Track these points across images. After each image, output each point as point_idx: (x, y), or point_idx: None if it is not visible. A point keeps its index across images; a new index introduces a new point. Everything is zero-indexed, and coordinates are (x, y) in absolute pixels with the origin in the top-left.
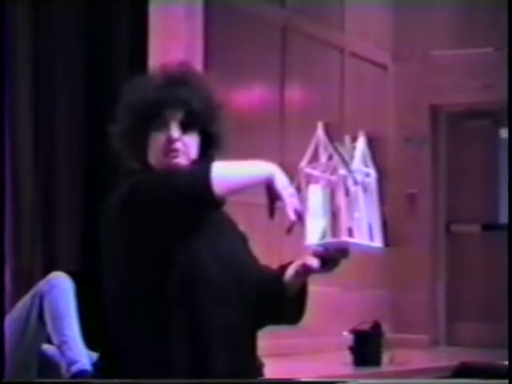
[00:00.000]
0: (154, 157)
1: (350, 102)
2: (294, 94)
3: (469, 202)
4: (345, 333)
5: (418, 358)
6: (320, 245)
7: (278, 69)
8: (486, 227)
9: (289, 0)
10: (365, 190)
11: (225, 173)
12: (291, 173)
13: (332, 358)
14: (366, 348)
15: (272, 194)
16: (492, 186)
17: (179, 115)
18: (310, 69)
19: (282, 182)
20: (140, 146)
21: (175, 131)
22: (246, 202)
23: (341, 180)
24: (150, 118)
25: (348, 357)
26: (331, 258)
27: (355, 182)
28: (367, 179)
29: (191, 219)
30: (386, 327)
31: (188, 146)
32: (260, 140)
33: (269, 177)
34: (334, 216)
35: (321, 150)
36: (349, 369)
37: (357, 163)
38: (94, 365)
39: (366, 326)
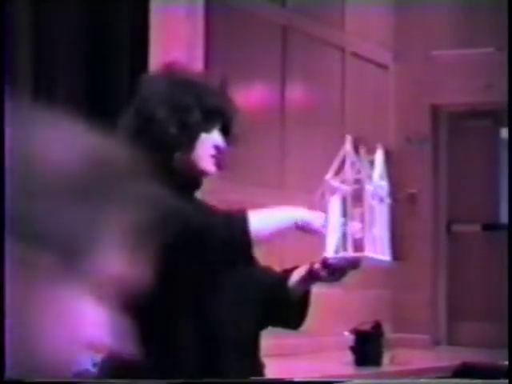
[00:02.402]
0: (194, 157)
1: (351, 102)
2: (295, 93)
3: (469, 202)
4: (346, 333)
5: (419, 358)
6: (334, 257)
7: (279, 69)
8: (487, 227)
9: (289, 0)
10: (379, 202)
11: (261, 225)
12: (292, 172)
13: (333, 358)
14: (367, 348)
15: (305, 231)
16: (493, 185)
17: (220, 124)
18: (310, 69)
19: (309, 224)
20: (184, 146)
21: (221, 139)
22: (246, 202)
23: (364, 194)
24: (210, 120)
25: (349, 357)
26: (341, 268)
27: (376, 197)
28: (382, 192)
29: (221, 263)
30: (386, 327)
31: (223, 155)
32: (260, 140)
33: (296, 223)
34: (351, 228)
35: (348, 163)
36: (350, 369)
37: (376, 177)
38: (100, 365)
39: (367, 326)
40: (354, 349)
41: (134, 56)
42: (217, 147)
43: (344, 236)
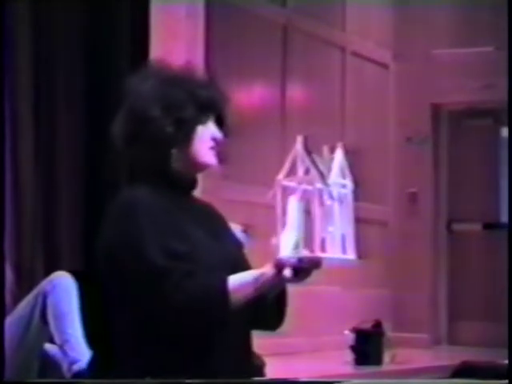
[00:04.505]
0: (193, 151)
1: (351, 102)
2: (295, 93)
3: (470, 201)
4: (346, 332)
5: (419, 357)
6: (293, 257)
7: (279, 68)
8: (487, 226)
9: None
10: (340, 201)
11: (237, 286)
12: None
13: (333, 357)
14: (367, 347)
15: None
16: (493, 184)
17: (214, 115)
18: (310, 68)
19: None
20: (183, 141)
21: (217, 131)
22: (246, 202)
23: (317, 194)
24: (205, 112)
25: (349, 356)
26: (303, 269)
27: (331, 197)
28: (343, 191)
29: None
30: (387, 326)
31: (222, 146)
32: (260, 139)
33: (268, 268)
34: (309, 229)
35: (299, 163)
36: (350, 368)
37: (334, 176)
38: (88, 363)
39: (368, 325)
40: (354, 348)
41: (134, 56)
42: (214, 139)
43: (302, 236)
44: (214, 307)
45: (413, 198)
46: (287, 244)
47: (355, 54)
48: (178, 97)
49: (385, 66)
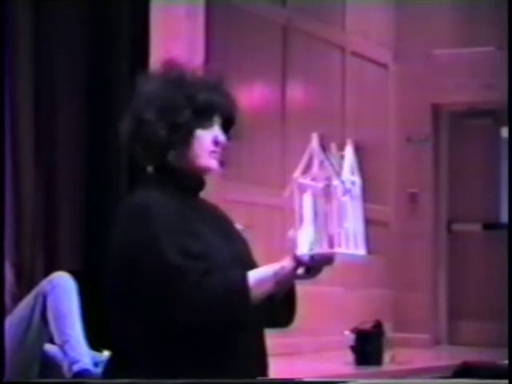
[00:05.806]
0: (192, 155)
1: (351, 102)
2: (295, 93)
3: (470, 201)
4: (346, 332)
5: (420, 358)
6: (306, 254)
7: (279, 68)
8: (488, 226)
9: None
10: (351, 198)
11: (257, 282)
12: (292, 171)
13: (333, 357)
14: (368, 347)
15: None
16: (493, 185)
17: (220, 120)
18: (311, 68)
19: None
20: (179, 143)
21: (220, 134)
22: (247, 202)
23: (333, 190)
24: (205, 116)
25: (349, 356)
26: (316, 265)
27: (345, 192)
28: (353, 187)
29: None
30: (387, 326)
31: (225, 149)
32: (260, 139)
33: (287, 262)
34: (324, 225)
35: (315, 160)
36: (350, 368)
37: (346, 172)
38: (105, 364)
39: (368, 326)
40: (354, 348)
41: (134, 56)
42: (216, 142)
43: (318, 233)
44: (236, 304)
45: (413, 198)
46: (303, 241)
47: (355, 54)
48: (175, 100)
49: (385, 65)
